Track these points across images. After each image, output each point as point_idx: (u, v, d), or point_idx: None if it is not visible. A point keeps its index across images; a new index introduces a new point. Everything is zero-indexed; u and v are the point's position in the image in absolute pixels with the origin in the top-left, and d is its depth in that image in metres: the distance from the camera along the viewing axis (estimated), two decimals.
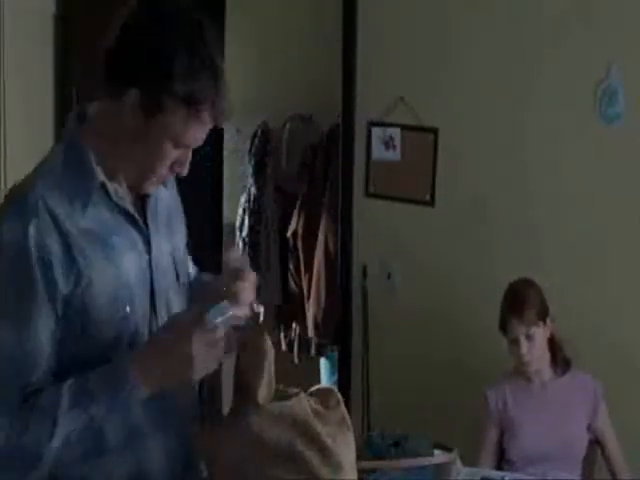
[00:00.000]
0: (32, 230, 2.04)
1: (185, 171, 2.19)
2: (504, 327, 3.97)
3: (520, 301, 3.95)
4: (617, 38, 4.52)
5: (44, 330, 2.07)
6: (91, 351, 2.12)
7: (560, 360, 4.04)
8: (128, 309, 2.17)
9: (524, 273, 4.33)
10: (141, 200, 2.27)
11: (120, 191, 2.20)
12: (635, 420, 4.41)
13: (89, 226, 2.13)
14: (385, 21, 5.04)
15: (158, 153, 2.14)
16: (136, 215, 2.22)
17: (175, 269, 2.35)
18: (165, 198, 2.36)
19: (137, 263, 2.21)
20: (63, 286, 2.07)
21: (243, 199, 6.52)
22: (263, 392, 2.15)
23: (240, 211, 6.53)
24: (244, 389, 2.18)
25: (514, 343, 3.94)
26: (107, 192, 2.16)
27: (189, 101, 2.06)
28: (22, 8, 4.61)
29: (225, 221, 6.25)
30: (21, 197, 2.10)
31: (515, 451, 3.99)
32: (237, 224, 6.53)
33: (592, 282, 4.60)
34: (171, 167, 2.19)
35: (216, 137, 5.78)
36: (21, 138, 4.57)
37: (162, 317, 2.25)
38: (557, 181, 4.67)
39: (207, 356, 2.07)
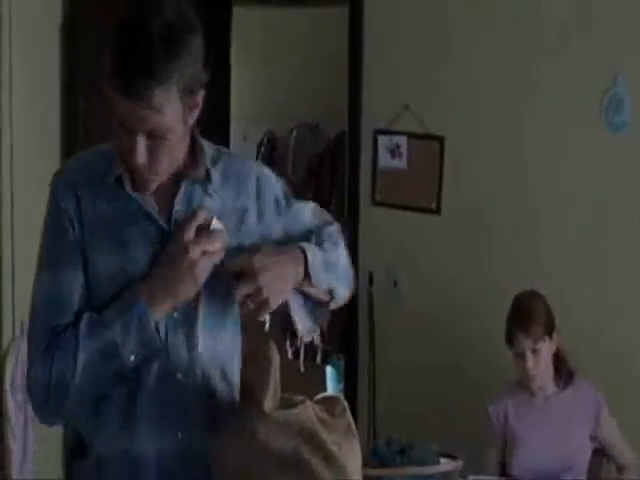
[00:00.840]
0: (63, 203, 2.25)
1: (136, 160, 2.15)
2: (510, 340, 3.95)
3: (527, 315, 3.93)
4: (623, 47, 4.53)
5: (75, 278, 2.24)
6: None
7: (564, 373, 4.02)
8: None
9: (529, 281, 4.34)
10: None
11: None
12: (634, 423, 4.41)
13: (104, 213, 2.25)
14: (390, 30, 5.04)
15: (115, 139, 2.21)
16: (151, 210, 2.25)
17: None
18: (210, 208, 2.29)
19: (149, 256, 2.24)
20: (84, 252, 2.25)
21: None
22: (269, 400, 2.16)
23: None
24: (250, 396, 2.18)
25: (520, 357, 3.92)
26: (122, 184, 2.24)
27: (107, 74, 2.12)
28: (29, 17, 4.62)
29: None
30: (54, 179, 2.31)
31: (517, 466, 3.97)
32: None
33: (597, 289, 4.60)
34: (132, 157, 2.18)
35: (222, 144, 5.77)
36: (28, 146, 4.58)
37: (174, 315, 2.25)
38: (563, 190, 4.67)
39: (206, 263, 2.20)
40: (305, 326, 2.44)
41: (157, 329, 2.21)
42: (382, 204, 5.12)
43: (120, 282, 2.23)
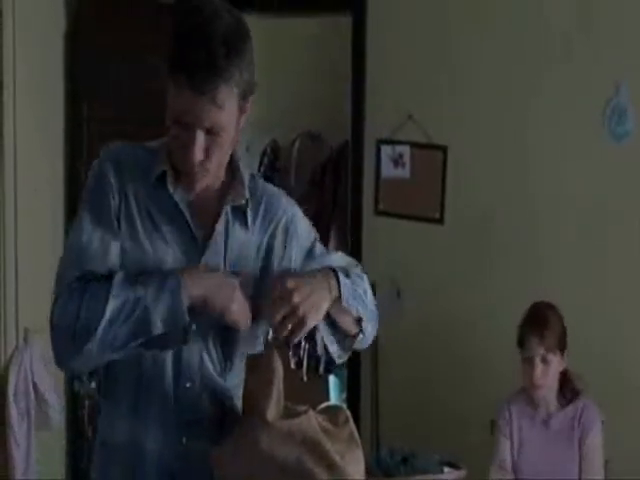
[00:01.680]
0: (110, 177, 2.28)
1: (194, 155, 2.18)
2: (522, 344, 3.95)
3: (542, 322, 3.92)
4: (626, 57, 4.54)
5: (114, 241, 2.26)
6: None
7: (568, 391, 4.01)
8: None
9: (533, 290, 4.33)
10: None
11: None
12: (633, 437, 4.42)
13: (142, 206, 2.28)
14: (393, 40, 5.05)
15: (169, 134, 2.23)
16: (187, 216, 2.27)
17: None
18: (243, 241, 2.32)
19: (176, 258, 2.26)
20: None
21: None
22: (272, 409, 2.16)
23: None
24: (253, 406, 2.18)
25: (528, 362, 3.91)
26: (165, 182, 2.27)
27: (170, 70, 2.17)
28: (33, 24, 4.64)
29: None
30: (103, 155, 2.33)
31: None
32: None
33: (600, 298, 4.60)
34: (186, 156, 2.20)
35: None
36: (32, 151, 4.59)
37: (192, 326, 2.24)
38: (566, 199, 4.67)
39: (242, 307, 2.24)
40: (334, 350, 2.42)
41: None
42: (385, 214, 5.12)
43: (149, 264, 2.25)
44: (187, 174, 2.24)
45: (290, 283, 2.21)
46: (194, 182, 2.25)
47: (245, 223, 2.33)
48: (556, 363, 3.91)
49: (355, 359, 5.27)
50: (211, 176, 2.26)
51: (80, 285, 2.18)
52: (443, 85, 4.93)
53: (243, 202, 2.32)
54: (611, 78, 4.53)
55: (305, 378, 6.30)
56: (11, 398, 4.64)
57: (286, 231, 2.40)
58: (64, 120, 4.88)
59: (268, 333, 2.26)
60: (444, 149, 4.93)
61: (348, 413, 2.29)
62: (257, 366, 2.23)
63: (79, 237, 2.24)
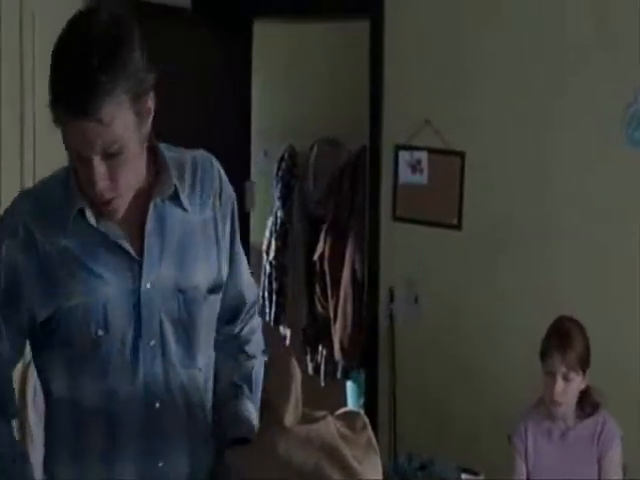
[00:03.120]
0: (4, 250, 2.17)
1: (97, 186, 2.05)
2: (544, 357, 3.92)
3: (567, 340, 3.88)
4: None
5: (6, 340, 2.22)
6: (69, 356, 2.23)
7: (586, 406, 3.97)
8: (101, 332, 2.19)
9: (551, 297, 4.32)
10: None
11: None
12: None
13: (69, 249, 2.17)
14: (411, 45, 5.05)
15: (73, 172, 2.13)
16: (121, 241, 2.19)
17: (187, 296, 2.27)
18: (183, 222, 2.26)
19: (120, 288, 2.19)
20: (36, 302, 2.18)
21: (270, 222, 6.54)
22: (289, 414, 2.15)
23: (267, 234, 6.55)
24: (271, 412, 2.18)
25: (550, 376, 3.88)
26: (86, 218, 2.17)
27: (50, 105, 2.02)
28: (52, 19, 4.65)
29: (252, 244, 6.26)
30: (3, 217, 2.23)
31: None
32: (264, 247, 6.55)
33: (618, 305, 4.58)
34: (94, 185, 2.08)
35: (243, 159, 5.80)
36: (52, 150, 4.61)
37: (150, 344, 2.23)
38: (584, 205, 4.65)
39: None
40: None
41: (136, 357, 2.21)
42: (403, 219, 5.12)
43: (87, 312, 2.18)
44: (102, 205, 2.12)
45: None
46: (112, 212, 2.14)
47: (182, 206, 2.25)
48: (577, 381, 3.87)
49: (372, 364, 5.27)
50: (129, 193, 2.13)
51: None
52: (461, 91, 4.93)
53: (171, 192, 2.23)
54: (630, 84, 4.51)
55: (323, 383, 6.30)
56: (30, 401, 4.65)
57: (221, 203, 2.35)
58: None
59: (285, 339, 2.26)
60: (462, 155, 4.93)
61: (366, 419, 2.28)
62: (276, 372, 2.22)
63: None
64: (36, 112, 4.55)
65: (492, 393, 4.79)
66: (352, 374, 6.08)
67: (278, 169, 6.54)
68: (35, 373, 4.56)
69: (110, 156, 2.03)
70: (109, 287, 2.19)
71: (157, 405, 2.25)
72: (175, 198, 2.24)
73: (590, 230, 4.64)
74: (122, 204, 2.13)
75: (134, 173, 2.13)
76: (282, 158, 6.54)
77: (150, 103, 2.09)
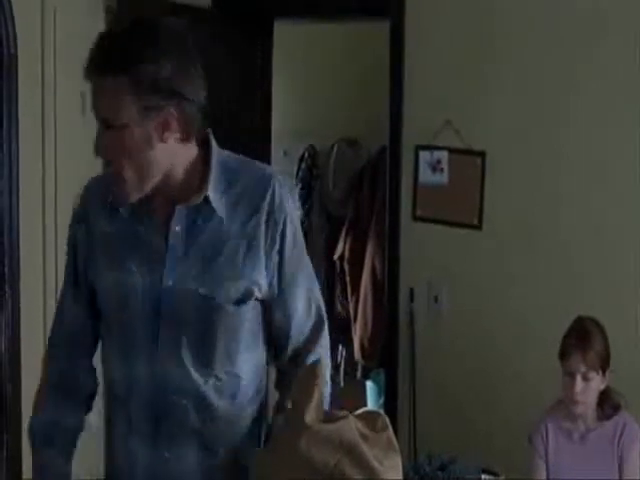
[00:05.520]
0: (71, 231, 2.48)
1: (96, 151, 2.26)
2: (563, 357, 3.91)
3: (586, 340, 3.87)
4: None
5: (67, 298, 2.51)
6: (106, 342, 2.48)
7: (607, 407, 3.96)
8: (126, 319, 2.37)
9: (572, 296, 4.30)
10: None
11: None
12: None
13: (107, 236, 2.38)
14: (431, 45, 5.05)
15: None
16: (148, 237, 2.32)
17: (212, 307, 2.32)
18: (217, 231, 2.31)
19: (145, 282, 2.32)
20: (87, 269, 2.44)
21: None
22: (311, 413, 2.16)
23: None
24: (293, 410, 2.19)
25: (570, 376, 3.87)
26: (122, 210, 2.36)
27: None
28: (73, 26, 4.68)
29: None
30: (78, 202, 2.50)
31: None
32: None
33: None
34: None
35: (263, 159, 5.80)
36: (73, 151, 4.63)
37: (167, 339, 2.32)
38: (607, 204, 4.63)
39: None
40: None
41: (156, 349, 2.31)
42: (423, 219, 5.11)
43: (117, 296, 2.35)
44: (112, 185, 2.31)
45: None
46: (119, 194, 2.29)
47: (216, 215, 2.31)
48: (597, 381, 3.86)
49: (392, 364, 5.27)
50: (133, 184, 2.26)
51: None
52: (481, 90, 4.92)
53: (199, 201, 2.30)
54: None
55: (342, 383, 6.30)
56: None
57: (270, 223, 2.35)
58: None
59: None
60: (482, 154, 4.92)
61: (386, 419, 2.28)
62: (302, 372, 2.26)
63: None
64: (57, 107, 4.58)
65: (512, 393, 4.78)
66: (372, 374, 6.08)
67: (298, 169, 6.55)
68: None
69: (108, 128, 2.21)
70: (135, 278, 2.32)
71: (169, 400, 2.33)
72: (208, 206, 2.31)
73: (613, 227, 4.62)
74: (129, 191, 2.27)
75: (134, 164, 2.24)
76: (302, 158, 6.56)
77: (168, 114, 2.22)
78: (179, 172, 2.30)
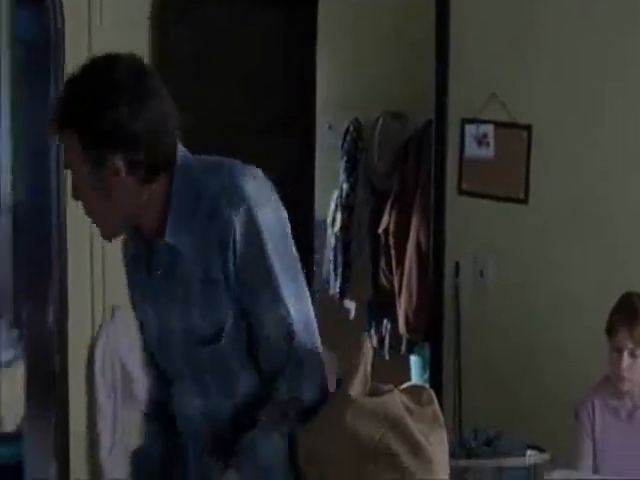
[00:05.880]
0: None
1: (73, 197, 2.32)
2: (610, 333, 3.88)
3: (634, 315, 3.83)
4: None
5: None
6: None
7: None
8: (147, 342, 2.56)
9: (618, 271, 4.27)
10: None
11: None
12: None
13: (127, 260, 2.52)
14: (477, 18, 5.01)
15: None
16: (142, 267, 2.41)
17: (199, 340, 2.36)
18: (183, 264, 2.32)
19: (149, 308, 2.47)
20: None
21: (335, 195, 6.54)
22: (356, 386, 2.17)
23: (332, 207, 6.55)
24: (340, 385, 2.20)
25: (617, 352, 3.84)
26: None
27: None
28: (119, 9, 4.69)
29: (316, 217, 6.26)
30: None
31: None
32: (329, 220, 6.55)
33: None
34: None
35: (308, 133, 5.79)
36: None
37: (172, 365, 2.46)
38: None
39: None
40: None
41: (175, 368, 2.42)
42: (469, 193, 5.09)
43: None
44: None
45: None
46: (100, 231, 2.38)
47: (178, 255, 2.31)
48: None
49: (437, 338, 5.26)
50: (104, 223, 2.33)
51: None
52: (528, 63, 4.87)
53: (162, 243, 2.31)
54: None
55: (387, 357, 6.30)
56: (98, 375, 4.71)
57: (222, 244, 2.26)
58: None
59: (350, 311, 2.28)
60: (529, 128, 4.88)
61: (432, 392, 2.29)
62: (349, 349, 2.27)
63: None
64: None
65: (558, 369, 4.76)
66: (416, 348, 6.06)
67: (343, 142, 6.52)
68: (102, 348, 4.68)
69: (72, 172, 2.29)
70: (143, 304, 2.47)
71: (181, 422, 2.48)
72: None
73: None
74: (105, 229, 2.35)
75: (97, 206, 2.29)
76: (347, 131, 6.52)
77: (115, 163, 2.22)
78: (147, 209, 2.31)
